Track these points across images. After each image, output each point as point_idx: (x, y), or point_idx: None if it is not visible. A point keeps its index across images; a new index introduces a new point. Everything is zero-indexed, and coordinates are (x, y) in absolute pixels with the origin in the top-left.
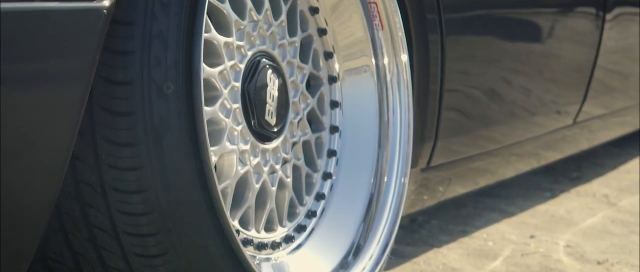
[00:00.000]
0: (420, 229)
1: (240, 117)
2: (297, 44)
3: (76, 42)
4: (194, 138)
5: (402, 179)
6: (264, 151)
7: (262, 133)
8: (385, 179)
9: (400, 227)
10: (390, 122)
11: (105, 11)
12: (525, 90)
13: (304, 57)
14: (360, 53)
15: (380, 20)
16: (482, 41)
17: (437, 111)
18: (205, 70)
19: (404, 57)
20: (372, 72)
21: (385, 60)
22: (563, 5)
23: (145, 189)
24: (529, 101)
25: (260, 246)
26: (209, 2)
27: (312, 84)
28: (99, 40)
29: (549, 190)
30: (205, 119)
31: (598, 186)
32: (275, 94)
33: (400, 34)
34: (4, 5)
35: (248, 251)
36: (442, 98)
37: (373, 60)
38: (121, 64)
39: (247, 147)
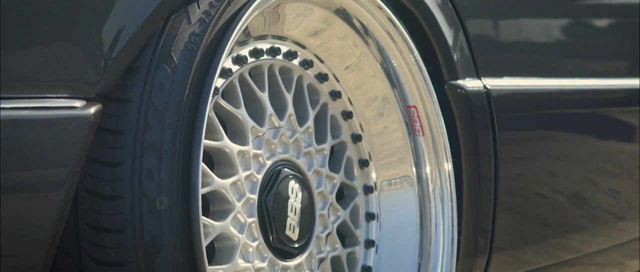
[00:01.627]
0: None
1: (257, 232)
2: (327, 152)
3: (54, 153)
4: (190, 258)
5: None
6: (284, 269)
7: (282, 249)
8: None
9: None
10: (432, 238)
11: (90, 119)
12: (613, 193)
13: (335, 166)
14: (400, 161)
15: (421, 126)
16: (552, 138)
17: (491, 220)
18: (216, 181)
19: (448, 166)
20: (412, 182)
21: (428, 169)
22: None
23: None
24: (617, 204)
25: None
26: (223, 107)
27: (345, 195)
28: (81, 151)
29: None
30: (203, 237)
31: None
32: (298, 206)
33: (444, 140)
34: None
35: None
36: (496, 204)
37: (414, 169)
38: (109, 177)
39: (264, 264)
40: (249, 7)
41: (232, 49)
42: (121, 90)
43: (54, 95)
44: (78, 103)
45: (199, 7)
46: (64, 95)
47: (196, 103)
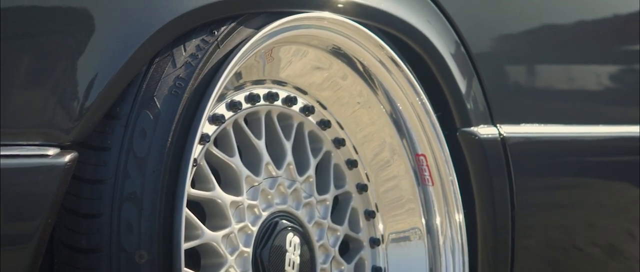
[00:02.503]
0: None
1: None
2: (329, 203)
3: (24, 203)
4: None
5: None
6: None
7: None
8: None
9: None
10: None
11: (64, 168)
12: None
13: (338, 217)
14: (408, 212)
15: (431, 175)
16: (571, 186)
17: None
18: (206, 233)
19: (459, 217)
20: (422, 234)
21: (438, 221)
22: None
23: None
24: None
25: None
26: (215, 156)
27: (350, 248)
28: (53, 201)
29: None
30: None
31: None
32: (297, 260)
33: (454, 189)
34: None
35: None
36: (514, 257)
37: (423, 221)
38: (86, 229)
39: None
40: (239, 50)
41: (225, 94)
42: (99, 137)
43: (25, 142)
44: (51, 151)
45: (185, 50)
46: (36, 143)
47: (180, 151)
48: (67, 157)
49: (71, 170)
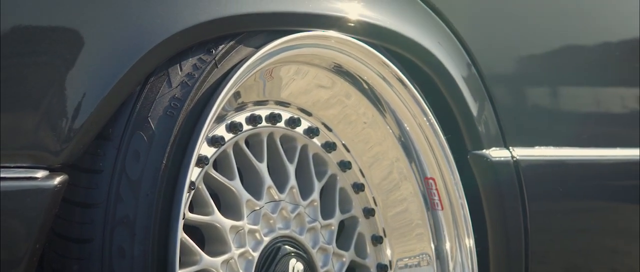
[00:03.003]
0: None
1: None
2: (334, 227)
3: (11, 227)
4: None
5: None
6: None
7: None
8: None
9: None
10: None
11: (53, 191)
12: None
13: (344, 243)
14: (417, 237)
15: (440, 199)
16: (588, 210)
17: None
18: (204, 259)
19: (470, 242)
20: (431, 260)
21: (447, 246)
22: None
23: None
24: None
25: None
26: (214, 179)
27: None
28: (42, 226)
29: None
30: None
31: None
32: None
33: (465, 213)
34: None
35: None
36: None
37: (432, 246)
38: (76, 254)
39: None
40: (238, 70)
41: (224, 115)
42: (91, 159)
43: (12, 165)
44: (40, 173)
45: (181, 69)
46: (24, 165)
47: (175, 174)
48: (57, 180)
49: (61, 193)
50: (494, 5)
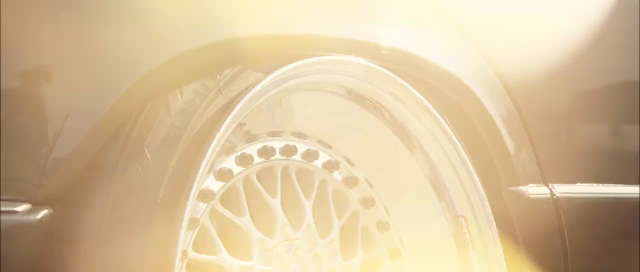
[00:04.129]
0: None
1: None
2: (357, 270)
3: None
4: None
5: None
6: None
7: None
8: None
9: None
10: None
11: (36, 226)
12: None
13: None
14: None
15: (471, 238)
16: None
17: None
18: None
19: None
20: None
21: None
22: None
23: None
24: None
25: None
26: (221, 215)
27: None
28: (23, 264)
29: None
30: None
31: None
32: None
33: (498, 253)
34: None
35: None
36: None
37: None
38: None
39: None
40: (244, 97)
41: (234, 146)
42: (80, 192)
43: None
44: (21, 207)
45: (181, 96)
46: (4, 198)
47: (173, 209)
48: (40, 215)
49: (45, 228)
50: (535, 38)
